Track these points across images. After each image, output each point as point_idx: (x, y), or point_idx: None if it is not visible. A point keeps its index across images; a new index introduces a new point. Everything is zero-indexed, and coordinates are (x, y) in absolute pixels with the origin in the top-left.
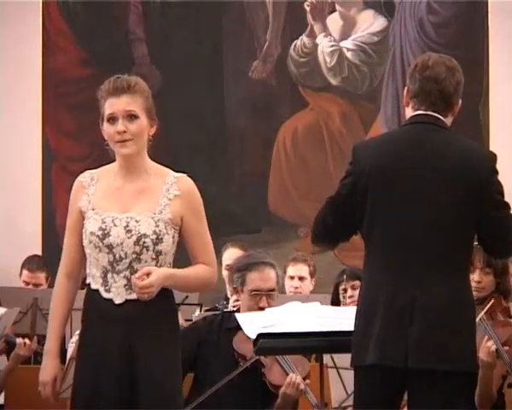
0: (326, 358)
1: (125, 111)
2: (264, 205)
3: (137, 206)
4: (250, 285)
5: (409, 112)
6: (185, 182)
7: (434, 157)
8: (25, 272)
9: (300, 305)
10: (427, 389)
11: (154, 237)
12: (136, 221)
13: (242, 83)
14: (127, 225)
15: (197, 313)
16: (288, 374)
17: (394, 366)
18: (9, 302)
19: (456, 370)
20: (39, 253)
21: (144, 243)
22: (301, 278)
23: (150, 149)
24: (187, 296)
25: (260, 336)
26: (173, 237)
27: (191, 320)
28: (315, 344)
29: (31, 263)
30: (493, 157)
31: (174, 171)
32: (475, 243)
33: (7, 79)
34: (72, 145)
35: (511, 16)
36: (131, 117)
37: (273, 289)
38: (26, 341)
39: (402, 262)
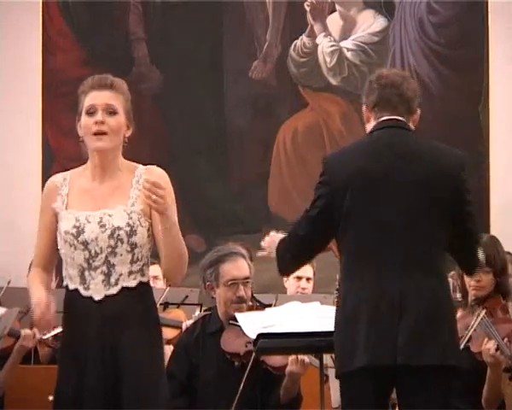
0: (326, 358)
1: (106, 104)
2: (264, 205)
3: (110, 202)
4: (225, 277)
5: (370, 127)
6: (154, 171)
7: (408, 159)
8: None
9: (300, 305)
10: (418, 385)
11: (127, 228)
12: (110, 215)
13: (242, 83)
14: (101, 220)
15: (197, 312)
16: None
17: (385, 365)
18: (9, 302)
19: (444, 364)
20: None
21: (118, 235)
22: (308, 279)
23: (151, 149)
24: (187, 296)
25: (260, 336)
26: (148, 230)
27: (191, 319)
28: (315, 344)
29: None
30: (463, 156)
31: (174, 171)
32: None
33: (7, 79)
34: (72, 145)
35: (511, 16)
36: (111, 112)
37: (248, 277)
38: (30, 331)
39: (385, 263)
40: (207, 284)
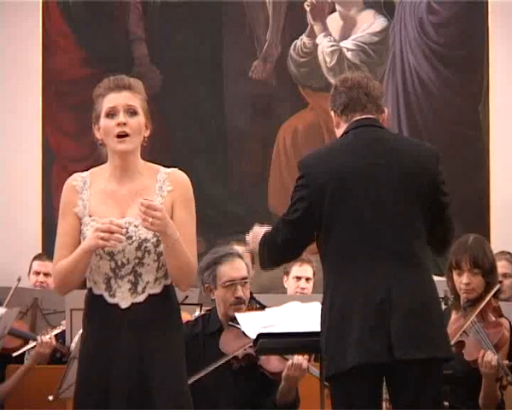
0: None
1: (127, 105)
2: (264, 205)
3: (134, 209)
4: (223, 278)
5: (341, 131)
6: (176, 175)
7: (387, 157)
8: (35, 262)
9: (300, 305)
10: (412, 379)
11: (154, 239)
12: (136, 226)
13: (242, 83)
14: (127, 232)
15: (197, 312)
16: (287, 359)
17: (379, 362)
18: (9, 302)
19: (437, 356)
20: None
21: (146, 247)
22: (307, 279)
23: (150, 149)
24: (187, 296)
25: (260, 336)
26: None
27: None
28: (315, 344)
29: (40, 255)
30: (437, 150)
31: None
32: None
33: (7, 79)
34: (72, 145)
35: (511, 16)
36: (132, 113)
37: (246, 278)
38: (48, 338)
39: (371, 261)
40: (206, 285)
